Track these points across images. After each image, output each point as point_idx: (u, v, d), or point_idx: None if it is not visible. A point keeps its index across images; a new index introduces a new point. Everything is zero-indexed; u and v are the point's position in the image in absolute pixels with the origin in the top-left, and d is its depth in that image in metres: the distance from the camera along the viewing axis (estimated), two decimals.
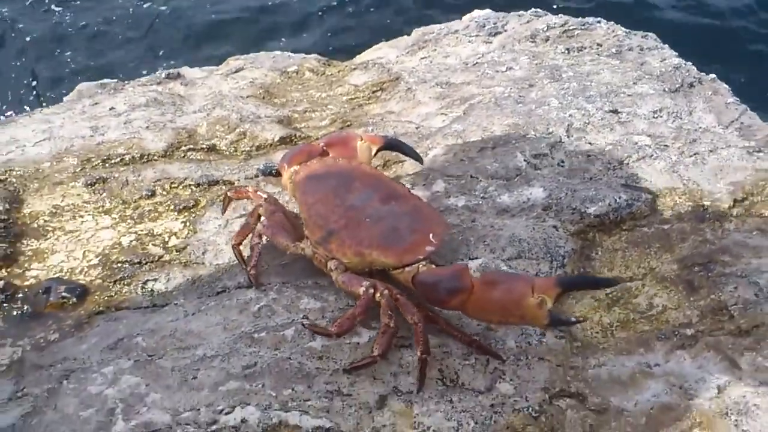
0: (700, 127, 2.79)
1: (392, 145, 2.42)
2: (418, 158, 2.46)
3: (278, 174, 2.50)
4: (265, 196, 2.28)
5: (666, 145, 2.67)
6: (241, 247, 2.23)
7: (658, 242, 2.30)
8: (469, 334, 1.95)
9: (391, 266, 1.98)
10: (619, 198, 2.39)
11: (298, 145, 2.44)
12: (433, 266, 1.95)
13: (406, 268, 1.94)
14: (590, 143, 2.68)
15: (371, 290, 1.92)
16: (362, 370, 1.84)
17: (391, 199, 2.08)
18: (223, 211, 2.46)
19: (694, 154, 2.64)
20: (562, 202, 2.37)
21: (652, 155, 2.63)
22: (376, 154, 2.37)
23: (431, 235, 1.99)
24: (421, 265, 1.94)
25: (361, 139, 2.35)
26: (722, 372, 1.88)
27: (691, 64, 3.21)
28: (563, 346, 1.98)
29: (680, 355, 1.95)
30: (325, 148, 2.32)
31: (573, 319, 1.81)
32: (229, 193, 2.41)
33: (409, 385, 1.82)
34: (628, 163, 2.60)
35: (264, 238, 2.16)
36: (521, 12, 3.70)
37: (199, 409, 1.72)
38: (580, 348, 1.99)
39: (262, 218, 2.21)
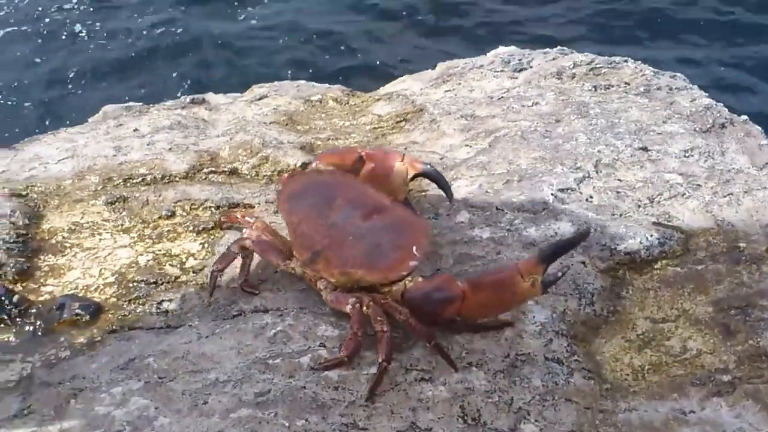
0: (733, 168, 2.73)
1: (429, 174, 2.39)
2: (449, 195, 2.42)
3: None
4: (252, 220, 2.27)
5: (698, 185, 2.61)
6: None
7: (691, 283, 2.22)
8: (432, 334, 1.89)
9: (377, 284, 1.97)
10: (651, 236, 2.33)
11: (337, 147, 2.37)
12: (420, 279, 1.96)
13: (393, 286, 1.95)
14: (619, 179, 2.63)
15: (357, 305, 1.91)
16: (378, 387, 1.81)
17: (373, 213, 2.08)
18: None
19: (728, 194, 2.57)
20: (591, 238, 2.30)
21: (684, 194, 2.57)
22: (412, 179, 2.35)
23: (414, 248, 1.99)
24: (407, 281, 1.94)
25: (402, 160, 2.32)
26: (762, 423, 1.80)
27: (722, 105, 3.16)
28: (592, 387, 1.91)
29: (716, 402, 1.87)
30: (363, 156, 2.31)
31: (560, 274, 1.95)
32: (220, 218, 2.42)
33: (429, 421, 1.75)
34: (659, 201, 2.53)
35: (243, 251, 2.15)
36: (547, 49, 3.67)
37: None
38: (610, 390, 1.91)
39: (250, 237, 2.18)
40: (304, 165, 2.77)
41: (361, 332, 1.87)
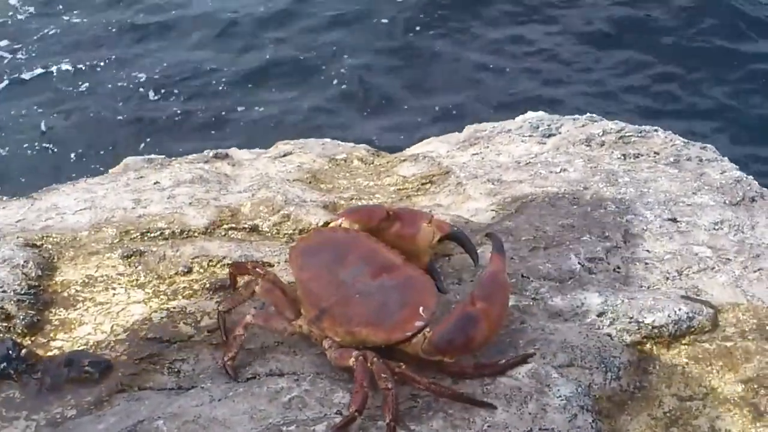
0: (764, 243, 2.66)
1: (456, 237, 2.36)
2: (476, 259, 2.39)
3: None
4: (262, 272, 2.22)
5: (728, 259, 2.54)
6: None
7: (720, 360, 2.14)
8: (454, 389, 1.90)
9: (381, 343, 1.93)
10: (679, 310, 2.25)
11: (365, 204, 2.37)
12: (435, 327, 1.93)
13: (413, 340, 1.92)
14: (648, 251, 2.56)
15: (361, 358, 1.88)
16: None
17: (383, 271, 2.05)
18: (232, 287, 2.38)
19: (759, 269, 2.51)
20: (618, 310, 2.24)
21: (713, 268, 2.50)
22: (439, 241, 2.32)
23: (421, 308, 1.95)
24: (426, 332, 1.91)
25: (429, 222, 2.29)
26: None
27: (752, 177, 3.11)
28: None
29: None
30: (391, 215, 2.28)
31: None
32: (230, 269, 2.37)
33: None
34: (688, 274, 2.47)
35: (248, 329, 2.07)
36: (576, 116, 3.66)
37: None
38: None
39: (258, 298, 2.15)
40: (326, 224, 2.73)
41: (366, 383, 1.82)
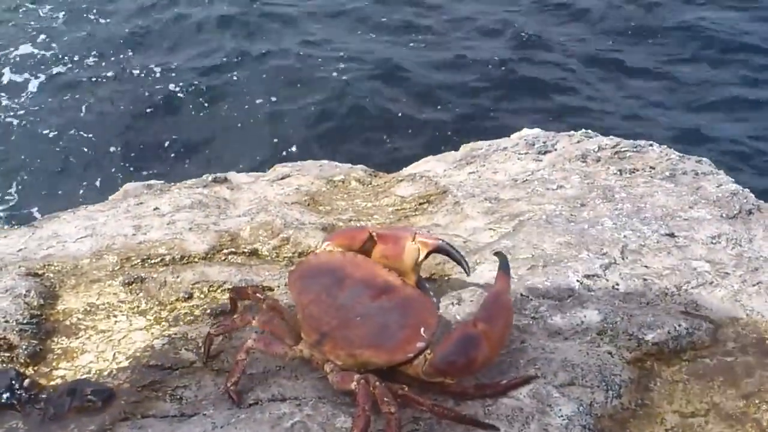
0: (762, 256, 2.66)
1: (442, 250, 2.35)
2: (466, 268, 2.39)
3: None
4: (262, 296, 2.23)
5: (727, 273, 2.55)
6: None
7: (721, 375, 2.14)
8: (457, 410, 1.90)
9: (383, 365, 1.94)
10: (679, 326, 2.26)
11: (347, 227, 2.36)
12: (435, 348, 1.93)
13: (414, 362, 1.92)
14: (646, 266, 2.57)
15: (363, 381, 1.87)
16: None
17: (382, 293, 2.06)
18: (232, 312, 2.38)
19: (758, 283, 2.51)
20: (618, 327, 2.24)
21: (712, 282, 2.51)
22: (425, 257, 2.31)
23: (422, 329, 1.96)
24: (427, 354, 1.92)
25: (413, 240, 2.29)
26: None
27: (748, 190, 3.12)
28: None
29: None
30: (374, 236, 2.29)
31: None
32: (230, 294, 2.37)
33: None
34: (687, 290, 2.47)
35: (249, 354, 2.06)
36: (571, 132, 3.67)
37: None
38: None
39: (254, 327, 2.13)
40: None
41: (368, 407, 1.81)
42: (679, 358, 2.21)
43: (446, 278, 2.54)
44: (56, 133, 8.10)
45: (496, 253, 2.25)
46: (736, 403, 2.04)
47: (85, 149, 7.90)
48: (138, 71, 9.05)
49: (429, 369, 1.91)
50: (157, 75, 9.01)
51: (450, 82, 8.68)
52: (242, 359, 2.05)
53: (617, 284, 2.47)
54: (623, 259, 2.60)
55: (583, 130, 3.69)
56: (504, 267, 2.15)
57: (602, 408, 2.00)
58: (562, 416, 1.95)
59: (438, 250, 2.33)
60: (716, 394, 2.08)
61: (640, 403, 2.05)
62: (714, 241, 2.73)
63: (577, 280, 2.46)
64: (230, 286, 2.53)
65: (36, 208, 7.02)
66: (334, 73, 8.86)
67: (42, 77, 9.02)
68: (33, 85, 8.91)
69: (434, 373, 1.91)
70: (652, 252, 2.65)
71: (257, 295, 2.25)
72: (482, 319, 1.96)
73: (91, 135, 8.07)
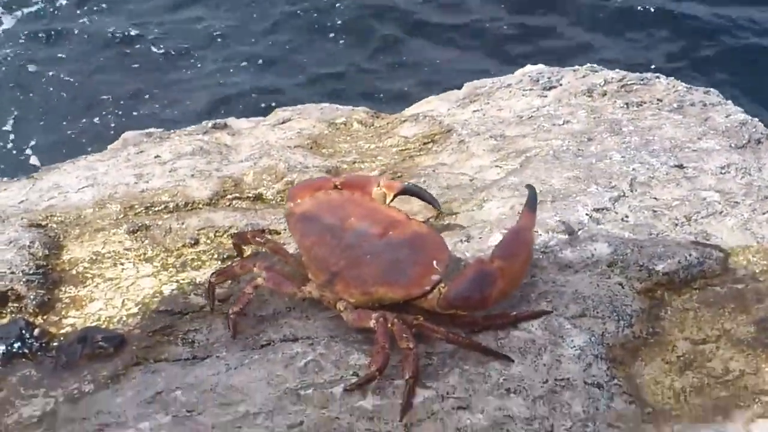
0: None
1: (409, 191, 2.38)
2: (436, 204, 2.43)
3: None
4: (263, 241, 2.22)
5: (736, 202, 2.52)
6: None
7: (732, 303, 2.13)
8: (472, 338, 1.93)
9: (399, 300, 1.94)
10: (690, 255, 2.24)
11: (309, 179, 2.33)
12: (450, 282, 1.93)
13: (429, 296, 1.92)
14: (655, 198, 2.54)
15: (381, 319, 1.87)
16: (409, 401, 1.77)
17: (389, 229, 2.04)
18: (239, 257, 2.37)
19: (767, 211, 2.48)
20: (628, 259, 2.23)
21: (721, 212, 2.48)
22: (392, 200, 2.31)
23: (434, 262, 1.96)
24: (441, 287, 1.91)
25: (378, 186, 2.30)
26: None
27: (757, 120, 3.07)
28: (633, 412, 1.81)
29: (762, 425, 1.78)
30: (339, 186, 2.27)
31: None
32: (233, 240, 2.36)
33: None
34: (696, 220, 2.45)
35: (257, 290, 2.08)
36: (576, 67, 3.61)
37: None
38: (652, 415, 1.82)
39: (261, 270, 2.10)
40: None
41: (388, 345, 1.82)
42: (689, 287, 2.20)
43: (454, 216, 2.52)
44: (43, 79, 7.98)
45: (527, 186, 2.23)
46: (747, 329, 2.04)
47: (75, 96, 7.79)
48: (125, 20, 8.89)
49: (443, 303, 1.91)
50: (148, 26, 8.86)
51: (450, 21, 8.54)
52: (249, 293, 2.05)
53: (627, 216, 2.45)
54: (632, 191, 2.57)
55: (588, 64, 3.62)
56: (530, 202, 2.13)
57: (614, 338, 2.00)
58: (574, 347, 1.95)
59: (404, 191, 2.35)
60: (727, 320, 2.08)
61: (652, 331, 2.05)
62: (723, 171, 2.70)
63: (587, 214, 2.44)
64: (236, 231, 2.51)
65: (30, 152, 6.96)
66: (328, 13, 8.69)
67: (18, 16, 8.84)
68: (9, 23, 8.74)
69: (448, 306, 1.91)
70: (662, 184, 2.62)
71: (258, 239, 2.24)
72: (500, 256, 1.95)
73: (77, 80, 7.95)
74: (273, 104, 4.07)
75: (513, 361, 1.88)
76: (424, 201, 2.44)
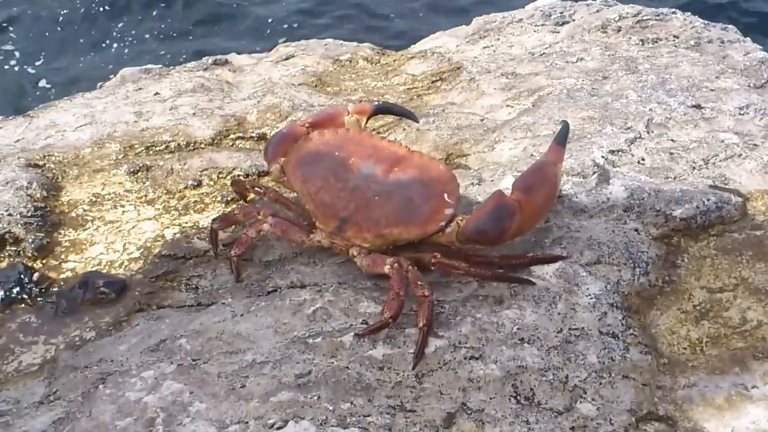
0: None
1: (381, 109, 2.37)
2: (413, 117, 2.40)
3: None
4: (262, 190, 2.17)
5: (755, 144, 2.44)
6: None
7: (750, 250, 2.07)
8: (494, 270, 1.90)
9: (415, 239, 1.91)
10: (708, 200, 2.17)
11: (278, 132, 2.24)
12: (467, 216, 1.90)
13: (446, 230, 1.89)
14: (672, 140, 2.46)
15: (396, 265, 1.83)
16: (423, 354, 1.73)
17: (393, 165, 1.98)
18: (243, 200, 2.32)
19: None
20: (644, 203, 2.16)
21: (740, 154, 2.40)
22: (366, 122, 2.28)
23: (446, 195, 1.92)
24: (459, 220, 1.89)
25: (349, 114, 2.24)
26: None
27: None
28: (649, 362, 1.77)
29: None
30: (309, 127, 2.18)
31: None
32: (233, 188, 2.30)
33: (480, 401, 1.63)
34: (714, 163, 2.37)
35: (260, 234, 2.04)
36: (590, 1, 3.48)
37: (248, 422, 1.55)
38: (668, 366, 1.78)
39: (266, 217, 2.05)
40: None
41: (402, 292, 1.78)
42: (707, 233, 2.14)
43: (464, 158, 2.45)
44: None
45: (563, 121, 2.14)
46: (765, 277, 1.98)
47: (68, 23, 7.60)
48: None
49: (461, 237, 1.87)
50: None
51: None
52: (251, 236, 2.00)
53: (643, 159, 2.38)
54: (649, 133, 2.49)
55: None
56: (560, 136, 2.05)
57: (629, 286, 1.95)
58: (589, 295, 1.90)
59: (377, 111, 2.33)
60: (745, 268, 2.02)
61: (668, 279, 2.00)
62: (742, 112, 2.61)
63: (602, 156, 2.36)
64: (240, 172, 2.44)
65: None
66: None
67: None
68: None
69: (466, 240, 1.88)
70: (679, 125, 2.54)
71: (257, 189, 2.18)
72: (519, 188, 1.90)
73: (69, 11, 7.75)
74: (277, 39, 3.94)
75: (535, 284, 1.89)
76: (399, 116, 2.41)
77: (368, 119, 2.29)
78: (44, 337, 1.90)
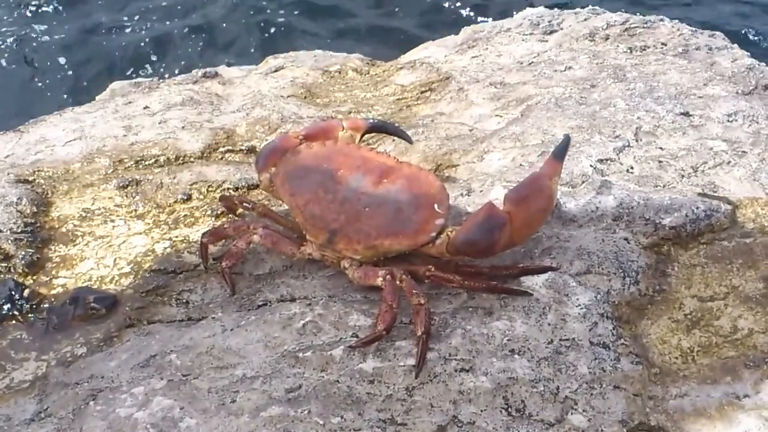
0: None
1: (376, 127, 2.34)
2: (407, 138, 2.39)
3: None
4: (250, 206, 2.17)
5: (744, 151, 2.45)
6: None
7: (740, 258, 2.07)
8: (488, 282, 1.90)
9: (405, 250, 1.90)
10: (697, 208, 2.18)
11: (272, 141, 2.23)
12: (457, 227, 1.90)
13: (436, 241, 1.89)
14: (661, 148, 2.47)
15: (389, 276, 1.83)
16: (423, 358, 1.74)
17: (383, 177, 1.97)
18: (233, 214, 2.32)
19: None
20: (634, 212, 2.16)
21: (729, 162, 2.41)
22: (360, 139, 2.27)
23: (435, 205, 1.91)
24: (449, 231, 1.89)
25: (343, 129, 2.23)
26: None
27: (764, 64, 2.98)
28: (640, 372, 1.78)
29: None
30: (302, 139, 2.17)
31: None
32: (221, 203, 2.30)
33: (471, 414, 1.63)
34: (703, 170, 2.38)
35: (250, 245, 2.03)
36: (577, 9, 3.50)
37: None
38: (659, 375, 1.79)
39: (256, 229, 2.05)
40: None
41: (395, 304, 1.78)
42: (696, 241, 2.14)
43: (454, 168, 2.45)
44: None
45: (565, 135, 2.10)
46: (755, 285, 1.99)
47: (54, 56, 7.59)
48: None
49: (451, 248, 1.87)
50: None
51: None
52: (241, 248, 2.00)
53: (632, 168, 2.38)
54: (637, 141, 2.50)
55: (590, 6, 3.51)
56: (558, 150, 2.01)
57: (620, 295, 1.96)
58: (579, 305, 1.90)
59: (372, 129, 2.32)
60: (735, 276, 2.03)
61: (658, 288, 2.00)
62: (730, 119, 2.62)
63: (591, 165, 2.37)
64: (230, 185, 2.44)
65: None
66: None
67: None
68: None
69: (456, 252, 1.88)
70: (667, 132, 2.54)
71: (245, 204, 2.18)
72: (511, 200, 1.89)
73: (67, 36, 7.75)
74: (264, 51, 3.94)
75: (532, 294, 1.89)
76: (393, 135, 2.39)
77: (362, 136, 2.28)
78: (35, 353, 1.90)
